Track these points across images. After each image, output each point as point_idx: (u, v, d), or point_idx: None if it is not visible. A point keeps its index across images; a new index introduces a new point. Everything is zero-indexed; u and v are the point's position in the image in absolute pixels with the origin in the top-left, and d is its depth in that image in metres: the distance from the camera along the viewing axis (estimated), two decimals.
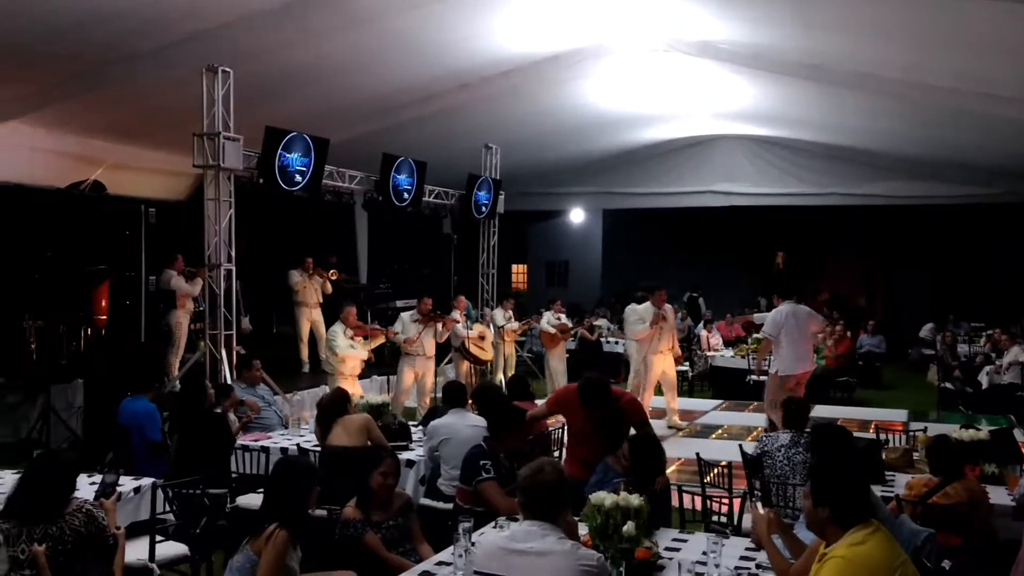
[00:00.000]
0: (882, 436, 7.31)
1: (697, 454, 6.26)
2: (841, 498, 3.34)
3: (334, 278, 12.80)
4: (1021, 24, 7.69)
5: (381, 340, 10.59)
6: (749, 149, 16.98)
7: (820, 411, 11.29)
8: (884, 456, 6.44)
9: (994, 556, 4.91)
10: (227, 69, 8.98)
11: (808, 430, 5.95)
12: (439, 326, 11.08)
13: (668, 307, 11.34)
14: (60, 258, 10.10)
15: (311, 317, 12.52)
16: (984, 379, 13.08)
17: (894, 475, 6.02)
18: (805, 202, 16.95)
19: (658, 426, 9.32)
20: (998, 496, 5.38)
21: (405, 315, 10.99)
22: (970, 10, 7.55)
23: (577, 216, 21.44)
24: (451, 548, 4.05)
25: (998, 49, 8.62)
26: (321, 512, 5.32)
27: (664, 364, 11.04)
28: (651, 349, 10.97)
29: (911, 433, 7.42)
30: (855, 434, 7.38)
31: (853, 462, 4.05)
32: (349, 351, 9.97)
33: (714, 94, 13.26)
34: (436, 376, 11.52)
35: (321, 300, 12.65)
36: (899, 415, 11.89)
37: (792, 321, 9.81)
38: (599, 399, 5.65)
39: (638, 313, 11.15)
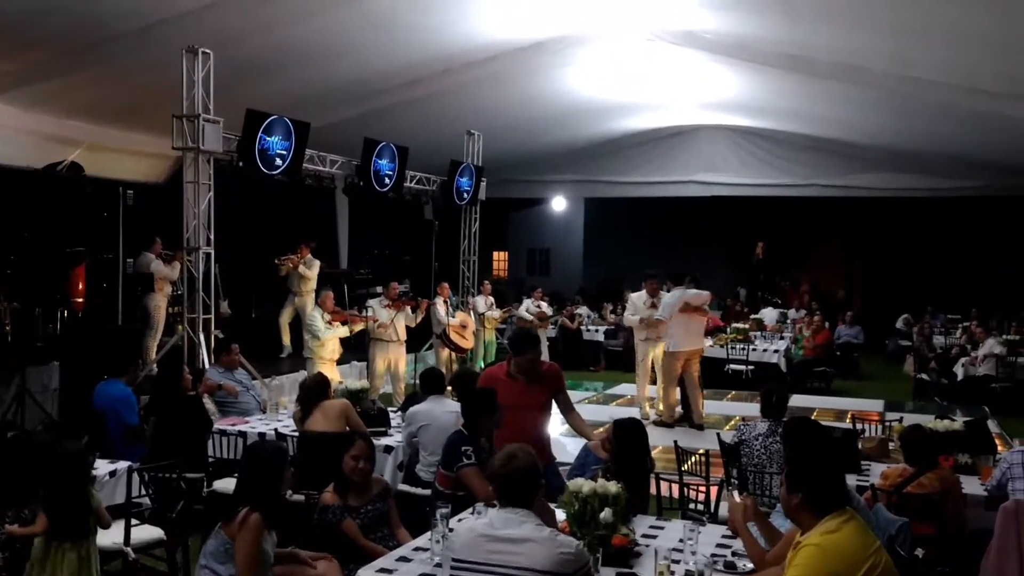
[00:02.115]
0: (858, 426, 7.37)
1: (675, 442, 6.29)
2: (815, 484, 3.36)
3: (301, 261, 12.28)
4: (1004, 18, 7.73)
5: (362, 325, 10.54)
6: (731, 140, 17.02)
7: (797, 401, 11.37)
8: (860, 446, 6.49)
9: (966, 545, 4.97)
10: (207, 51, 8.90)
11: (786, 419, 5.98)
12: (409, 309, 11.02)
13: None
14: (37, 239, 9.98)
15: (294, 303, 12.37)
16: (959, 371, 13.21)
17: (869, 465, 6.07)
18: (786, 193, 17.04)
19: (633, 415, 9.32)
20: (971, 486, 5.44)
21: (373, 301, 10.92)
22: (952, 3, 7.58)
23: (559, 204, 21.44)
24: (428, 534, 4.05)
25: (981, 43, 8.67)
26: (299, 497, 5.31)
27: (656, 353, 11.00)
28: (641, 337, 11.00)
29: (887, 423, 7.48)
30: (832, 424, 7.46)
31: (828, 451, 4.07)
32: (329, 334, 9.92)
33: (697, 84, 13.27)
34: (416, 363, 11.50)
35: (306, 288, 12.27)
36: (875, 405, 12.00)
37: (700, 299, 10.60)
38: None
39: (632, 301, 11.19)
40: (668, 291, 10.73)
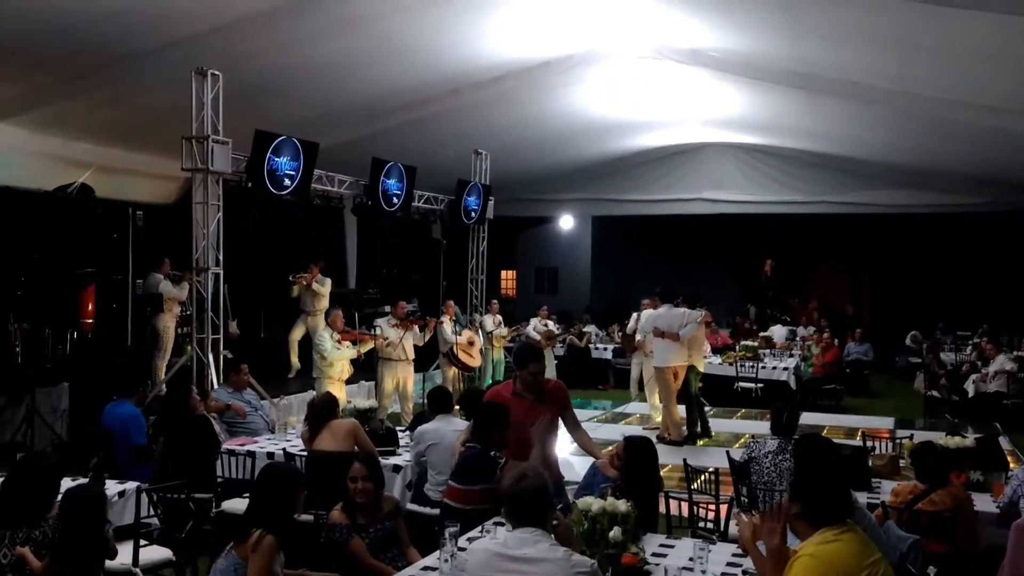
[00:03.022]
0: (869, 443, 7.33)
1: (684, 460, 6.27)
2: (814, 496, 3.36)
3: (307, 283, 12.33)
4: (1008, 35, 7.74)
5: (371, 345, 10.56)
6: (738, 157, 17.04)
7: (807, 418, 11.31)
8: (871, 463, 6.46)
9: (979, 563, 4.94)
10: (216, 72, 8.96)
11: (796, 437, 5.96)
12: (417, 328, 11.04)
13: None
14: (47, 261, 10.04)
15: (306, 323, 12.37)
16: (970, 387, 13.14)
17: (880, 482, 6.04)
18: (794, 210, 17.03)
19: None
20: (983, 503, 5.41)
21: (381, 320, 10.94)
22: (958, 20, 7.59)
23: (567, 223, 21.45)
24: (437, 552, 4.04)
25: (985, 59, 8.67)
26: (307, 517, 5.30)
27: (646, 369, 11.12)
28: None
29: (897, 440, 7.44)
30: (842, 441, 7.43)
31: (830, 465, 4.07)
32: (337, 354, 9.95)
33: (704, 102, 13.31)
34: (424, 382, 11.50)
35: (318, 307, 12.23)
36: (886, 423, 11.92)
37: (663, 322, 10.62)
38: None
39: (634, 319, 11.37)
40: (751, 313, 10.89)
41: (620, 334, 13.23)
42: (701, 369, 11.13)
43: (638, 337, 10.95)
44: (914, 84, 10.19)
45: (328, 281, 12.32)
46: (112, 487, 5.70)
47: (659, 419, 11.10)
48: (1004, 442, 9.85)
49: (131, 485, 5.75)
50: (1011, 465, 6.82)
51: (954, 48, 8.58)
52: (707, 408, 11.39)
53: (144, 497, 5.40)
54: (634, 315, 12.38)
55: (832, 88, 10.86)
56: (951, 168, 14.92)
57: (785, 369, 13.74)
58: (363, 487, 4.68)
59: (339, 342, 10.07)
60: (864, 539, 3.35)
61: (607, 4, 9.38)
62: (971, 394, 13.02)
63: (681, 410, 10.78)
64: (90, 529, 4.21)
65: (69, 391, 9.34)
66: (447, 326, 12.29)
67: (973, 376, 13.32)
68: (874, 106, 11.30)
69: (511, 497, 3.52)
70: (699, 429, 10.95)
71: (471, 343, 12.57)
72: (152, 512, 5.48)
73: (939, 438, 6.16)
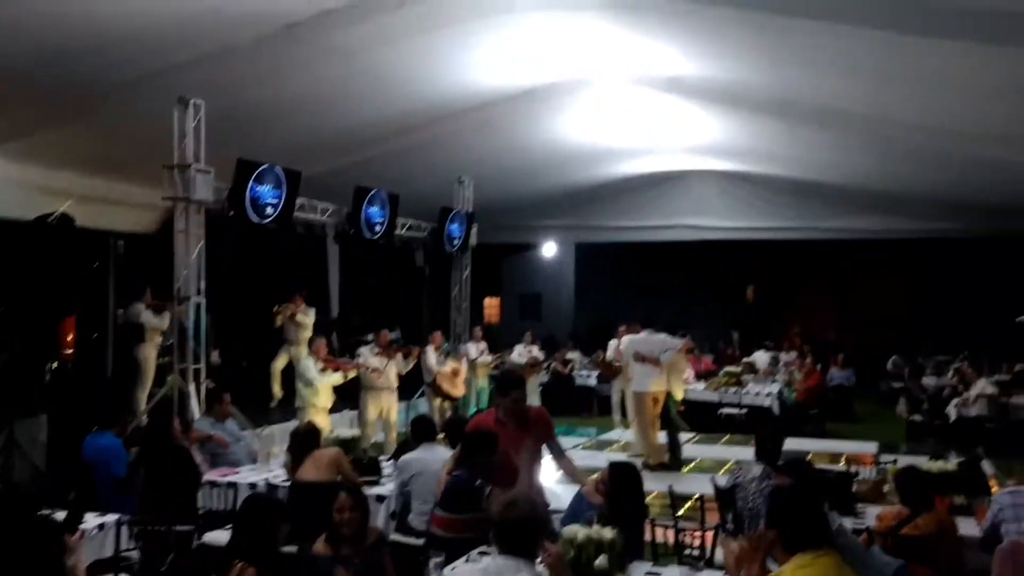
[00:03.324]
0: (852, 468, 7.35)
1: (670, 487, 6.25)
2: (789, 522, 3.35)
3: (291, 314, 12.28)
4: (982, 64, 7.86)
5: (354, 373, 10.52)
6: (719, 184, 17.13)
7: (791, 444, 11.25)
8: (854, 488, 6.47)
9: None
10: (199, 101, 8.97)
11: (781, 463, 5.96)
12: (400, 357, 11.00)
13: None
14: (27, 291, 9.96)
15: (290, 353, 12.29)
16: (952, 412, 13.20)
17: (865, 507, 6.04)
18: (775, 236, 17.13)
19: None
20: (967, 527, 5.42)
21: (364, 349, 10.90)
22: (936, 49, 7.70)
23: (550, 250, 21.50)
24: None
25: (961, 88, 8.80)
26: (290, 548, 5.25)
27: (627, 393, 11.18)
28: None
29: (881, 465, 7.46)
30: (826, 467, 7.45)
31: (811, 491, 4.06)
32: (325, 379, 9.90)
33: (685, 129, 13.40)
34: (408, 410, 11.44)
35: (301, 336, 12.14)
36: (869, 448, 11.93)
37: (645, 347, 10.64)
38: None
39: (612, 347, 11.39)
40: (735, 340, 10.95)
41: (600, 360, 13.27)
42: (679, 396, 11.14)
43: (622, 362, 11.00)
44: (891, 111, 10.31)
45: (312, 311, 12.29)
46: (91, 520, 5.62)
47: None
48: (986, 466, 9.88)
49: (111, 518, 5.68)
50: (993, 489, 6.85)
51: (929, 76, 8.70)
52: (691, 435, 11.41)
53: (124, 530, 5.33)
54: (613, 342, 12.39)
55: (811, 116, 10.97)
56: (930, 194, 15.06)
57: (768, 395, 13.77)
58: (349, 517, 4.64)
59: (323, 370, 10.03)
60: (840, 564, 3.33)
61: (588, 33, 9.46)
62: (953, 418, 13.08)
63: (663, 435, 10.79)
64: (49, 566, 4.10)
65: (48, 422, 9.23)
66: (431, 356, 12.25)
67: (955, 400, 13.39)
68: (852, 133, 11.43)
69: (500, 524, 3.50)
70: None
71: (455, 373, 12.52)
72: (132, 545, 5.41)
73: (922, 463, 6.18)
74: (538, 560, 3.78)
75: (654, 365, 10.56)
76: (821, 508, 3.53)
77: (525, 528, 3.47)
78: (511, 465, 5.28)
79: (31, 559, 4.01)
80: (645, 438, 10.76)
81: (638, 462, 10.17)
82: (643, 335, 10.90)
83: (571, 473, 5.78)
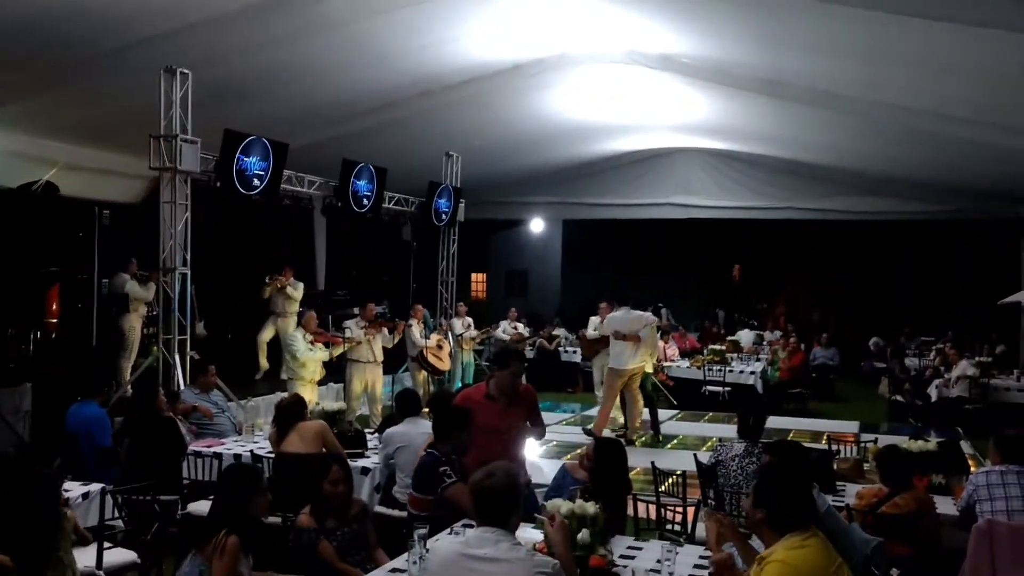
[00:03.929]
0: (834, 447, 7.42)
1: (652, 463, 6.30)
2: (778, 502, 3.38)
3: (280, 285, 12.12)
4: (973, 46, 7.87)
5: (342, 348, 10.52)
6: (708, 163, 17.15)
7: (774, 422, 11.39)
8: (835, 467, 6.53)
9: (940, 565, 5.01)
10: (186, 71, 8.89)
11: (763, 441, 6.01)
12: (386, 331, 11.01)
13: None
14: (11, 259, 9.89)
15: (277, 325, 12.21)
16: (933, 392, 13.33)
17: (845, 485, 6.11)
18: (762, 215, 17.18)
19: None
20: (944, 506, 5.49)
21: (350, 322, 10.90)
22: (925, 31, 7.70)
23: (537, 226, 21.50)
24: (405, 555, 4.04)
25: (951, 70, 8.81)
26: (275, 519, 5.27)
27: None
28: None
29: (862, 444, 7.53)
30: (808, 445, 7.51)
31: (799, 472, 4.10)
32: (310, 355, 9.91)
33: (674, 107, 13.39)
34: (394, 384, 11.46)
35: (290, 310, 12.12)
36: (851, 427, 12.06)
37: (623, 325, 10.76)
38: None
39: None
40: (720, 318, 11.00)
41: (581, 337, 13.37)
42: (649, 370, 11.27)
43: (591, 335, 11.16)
44: (881, 93, 10.33)
45: (301, 285, 12.28)
46: (76, 488, 5.63)
47: (622, 420, 11.18)
48: (966, 446, 10.00)
49: (95, 486, 5.68)
50: (972, 468, 6.93)
51: (919, 58, 8.72)
52: (675, 412, 11.51)
53: (109, 499, 5.34)
54: (594, 319, 12.43)
55: (801, 95, 10.98)
56: (918, 176, 15.13)
57: (752, 373, 13.86)
58: (342, 489, 4.68)
59: (312, 343, 10.03)
60: (827, 545, 3.38)
61: (578, 9, 9.42)
62: (934, 399, 13.21)
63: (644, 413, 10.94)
64: (47, 512, 4.15)
65: (32, 391, 9.20)
66: (415, 329, 12.26)
67: (936, 381, 13.51)
68: (842, 113, 11.43)
69: (477, 494, 3.52)
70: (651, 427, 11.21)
71: (440, 346, 12.54)
72: (117, 514, 5.42)
73: (903, 442, 6.24)
74: (541, 527, 3.83)
75: (634, 342, 10.63)
76: (810, 489, 3.57)
77: (502, 498, 3.49)
78: (497, 441, 5.31)
79: (31, 504, 4.08)
80: (603, 410, 10.97)
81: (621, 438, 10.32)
82: (621, 312, 10.96)
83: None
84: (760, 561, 3.35)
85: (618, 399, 11.05)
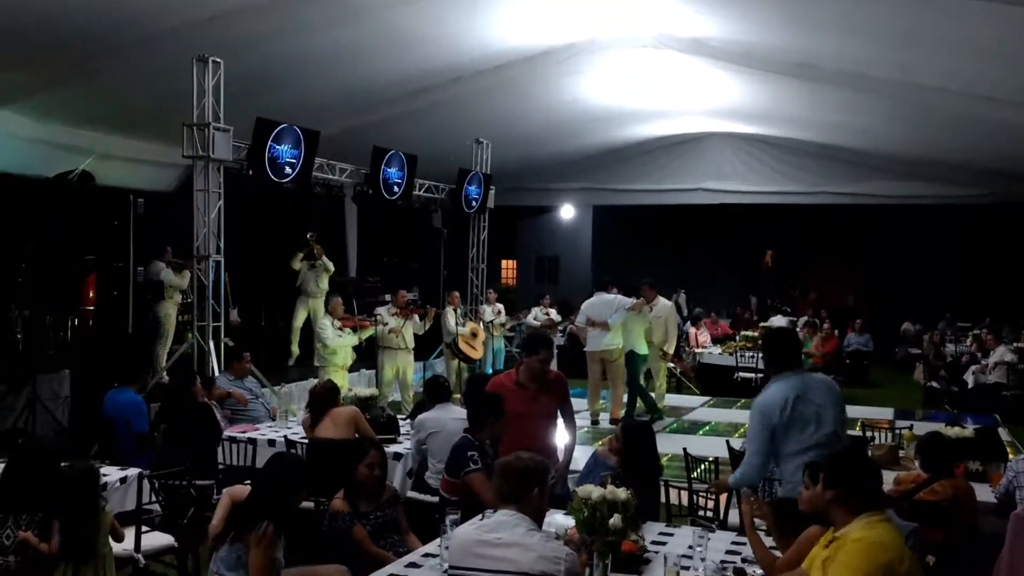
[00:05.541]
0: (868, 433, 7.36)
1: (684, 449, 6.28)
2: (856, 482, 3.41)
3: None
4: (1011, 26, 7.72)
5: (371, 331, 10.59)
6: (739, 147, 17.01)
7: None
8: (870, 453, 6.48)
9: (978, 551, 4.95)
10: (218, 60, 8.95)
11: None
12: (417, 317, 11.06)
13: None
14: (48, 248, 10.04)
15: (309, 306, 12.32)
16: (969, 378, 13.16)
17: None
18: (795, 200, 17.00)
19: None
20: (982, 493, 5.43)
21: (381, 309, 10.96)
22: (960, 11, 7.58)
23: (567, 212, 21.44)
24: (438, 540, 4.06)
25: (987, 51, 8.65)
26: (308, 504, 5.33)
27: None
28: None
29: (897, 431, 7.46)
30: None
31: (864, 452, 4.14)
32: (339, 341, 9.98)
33: (704, 91, 13.28)
34: (425, 371, 11.51)
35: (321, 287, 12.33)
36: (885, 413, 11.93)
37: (594, 311, 10.94)
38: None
39: None
40: (753, 304, 10.93)
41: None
42: (643, 352, 11.29)
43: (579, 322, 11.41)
44: (914, 74, 10.17)
45: (331, 264, 12.45)
46: (114, 473, 5.72)
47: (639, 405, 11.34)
48: (1003, 433, 9.87)
49: (133, 471, 5.77)
50: (1009, 455, 6.85)
51: (953, 39, 8.57)
52: (705, 399, 11.45)
53: (146, 483, 5.42)
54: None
55: (832, 78, 10.83)
56: (952, 159, 14.90)
57: None
58: (378, 474, 4.73)
59: (340, 329, 10.11)
60: (896, 527, 3.44)
61: None
62: (970, 385, 13.05)
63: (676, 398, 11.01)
64: (87, 508, 4.24)
65: (70, 378, 9.35)
66: (451, 317, 12.29)
67: (972, 367, 13.34)
68: (874, 96, 11.28)
69: (498, 471, 3.54)
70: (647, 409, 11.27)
71: (475, 335, 12.60)
72: (154, 499, 5.50)
73: (939, 429, 6.18)
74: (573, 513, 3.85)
75: (603, 328, 10.77)
76: (880, 471, 3.62)
77: (520, 475, 3.49)
78: (527, 428, 5.31)
79: (75, 501, 4.17)
80: (592, 395, 11.12)
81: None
82: (594, 299, 11.09)
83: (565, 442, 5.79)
84: (831, 542, 3.34)
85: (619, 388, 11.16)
